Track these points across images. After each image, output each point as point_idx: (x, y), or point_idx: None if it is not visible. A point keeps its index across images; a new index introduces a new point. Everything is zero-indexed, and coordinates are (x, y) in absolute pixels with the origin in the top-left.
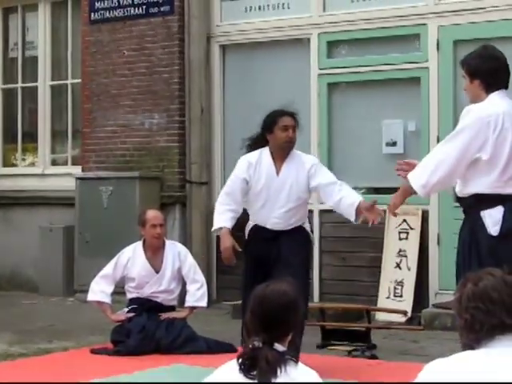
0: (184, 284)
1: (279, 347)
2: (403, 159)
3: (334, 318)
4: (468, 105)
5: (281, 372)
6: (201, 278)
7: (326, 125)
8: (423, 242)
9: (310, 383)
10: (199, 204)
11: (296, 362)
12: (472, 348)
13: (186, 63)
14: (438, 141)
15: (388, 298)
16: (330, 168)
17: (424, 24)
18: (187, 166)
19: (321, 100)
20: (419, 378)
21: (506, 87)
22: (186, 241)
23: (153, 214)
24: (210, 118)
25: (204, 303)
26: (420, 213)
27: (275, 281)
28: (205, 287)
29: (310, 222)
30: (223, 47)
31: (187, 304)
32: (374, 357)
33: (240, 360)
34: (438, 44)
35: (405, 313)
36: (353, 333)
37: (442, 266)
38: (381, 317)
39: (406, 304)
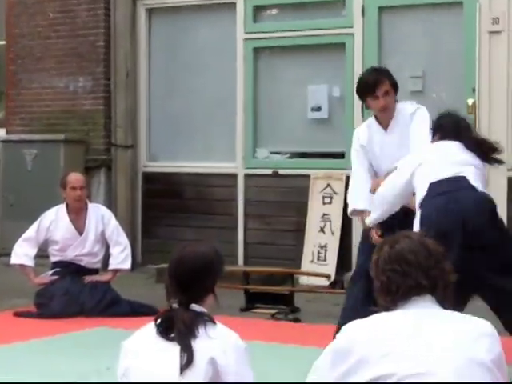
0: (108, 247)
1: (197, 308)
2: (327, 124)
3: (259, 282)
4: None
5: (199, 333)
6: (124, 240)
7: (251, 89)
8: (346, 206)
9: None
10: (124, 167)
11: (214, 322)
12: (388, 310)
13: (112, 26)
14: (363, 107)
15: (312, 261)
16: (256, 132)
17: None
18: (112, 129)
19: (246, 64)
20: (338, 339)
21: None
22: (111, 204)
23: (74, 177)
24: (135, 81)
25: (127, 265)
26: (344, 177)
27: (192, 243)
28: (128, 250)
29: (236, 186)
30: (149, 10)
31: (110, 267)
32: (296, 320)
33: (157, 322)
34: (363, 10)
35: (328, 276)
36: (276, 296)
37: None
38: (304, 280)
39: (330, 268)
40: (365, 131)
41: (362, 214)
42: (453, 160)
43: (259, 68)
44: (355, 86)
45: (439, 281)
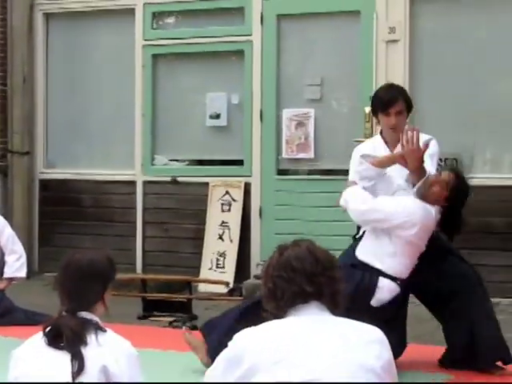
0: (3, 255)
1: (85, 315)
2: (226, 132)
3: (157, 290)
4: None
5: (88, 340)
6: (20, 248)
7: (150, 96)
8: (245, 214)
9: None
10: (21, 174)
11: (104, 330)
12: (278, 317)
13: (8, 31)
14: (261, 114)
15: (210, 269)
16: (154, 139)
17: None
18: (9, 135)
19: (145, 71)
20: (229, 347)
21: None
22: (7, 212)
23: None
24: (32, 86)
25: (23, 274)
26: (242, 185)
27: (84, 250)
28: (23, 258)
29: (134, 193)
30: (47, 15)
31: (5, 275)
32: (194, 327)
33: (45, 330)
34: (261, 17)
35: (227, 284)
36: (174, 304)
37: (264, 237)
38: (203, 288)
39: (228, 275)
40: (368, 147)
41: None
42: None
43: (158, 75)
44: (372, 101)
45: (325, 288)
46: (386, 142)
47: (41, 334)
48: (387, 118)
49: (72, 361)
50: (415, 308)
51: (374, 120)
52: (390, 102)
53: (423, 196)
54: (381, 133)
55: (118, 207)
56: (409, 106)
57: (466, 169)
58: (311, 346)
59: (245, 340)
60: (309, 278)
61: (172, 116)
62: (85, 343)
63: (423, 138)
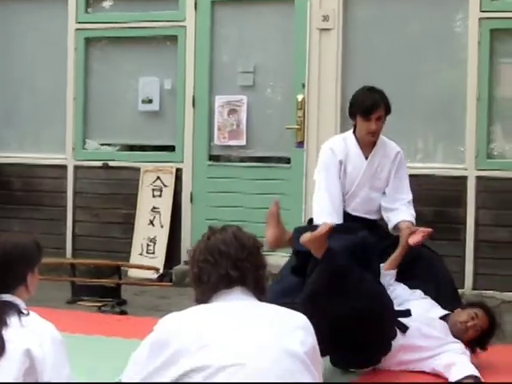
0: None
1: (7, 297)
2: (159, 117)
3: (87, 274)
4: None
5: (10, 322)
6: None
7: (82, 80)
8: (176, 199)
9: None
10: None
11: (27, 313)
12: (204, 302)
13: None
14: (194, 100)
15: (141, 254)
16: (86, 124)
17: None
18: None
19: (78, 55)
20: (155, 331)
21: None
22: None
23: None
24: None
25: None
26: (174, 171)
27: (7, 234)
28: None
29: (65, 177)
30: None
31: None
32: (123, 312)
33: None
34: (195, 3)
35: (156, 269)
36: (103, 289)
37: (195, 223)
38: (133, 273)
39: (159, 261)
40: (341, 146)
41: None
42: None
43: (91, 59)
44: (351, 104)
45: (249, 273)
46: (359, 145)
47: None
48: (367, 123)
49: None
50: None
51: (306, 106)
52: (373, 108)
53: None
54: (354, 131)
55: (49, 191)
56: (388, 111)
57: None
58: (236, 331)
59: (170, 324)
60: (234, 263)
61: (104, 100)
62: (5, 325)
63: (391, 146)
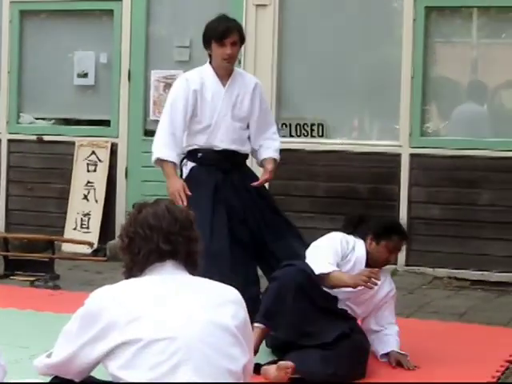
0: None
1: None
2: (94, 91)
3: (21, 249)
4: None
5: None
6: None
7: (16, 53)
8: (111, 174)
9: None
10: None
11: None
12: (131, 275)
13: None
14: (130, 74)
15: (75, 229)
16: (20, 97)
17: None
18: None
19: (13, 27)
20: (86, 304)
21: None
22: None
23: None
24: None
25: None
26: (109, 145)
27: None
28: None
29: None
30: None
31: None
32: (56, 287)
33: None
34: None
35: (90, 244)
36: (37, 263)
37: (129, 199)
38: (68, 248)
39: (93, 236)
40: (196, 76)
41: (164, 163)
42: None
43: (25, 32)
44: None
45: (181, 247)
46: (216, 74)
47: None
48: (222, 49)
49: None
50: None
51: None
52: (227, 32)
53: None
54: (210, 62)
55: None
56: (242, 39)
57: (331, 134)
58: (167, 305)
59: (101, 298)
60: (165, 237)
61: (39, 74)
62: None
63: (248, 76)
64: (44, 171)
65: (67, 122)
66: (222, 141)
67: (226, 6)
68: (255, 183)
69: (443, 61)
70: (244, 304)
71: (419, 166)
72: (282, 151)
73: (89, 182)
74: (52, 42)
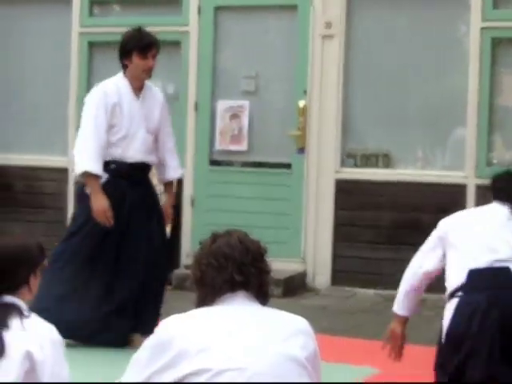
0: None
1: (9, 299)
2: None
3: None
4: None
5: (11, 324)
6: None
7: (85, 84)
8: (177, 203)
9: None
10: None
11: (28, 315)
12: (204, 305)
13: None
14: (196, 105)
15: None
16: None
17: None
18: None
19: (81, 59)
20: (157, 333)
21: None
22: None
23: None
24: None
25: None
26: None
27: (11, 234)
28: None
29: (65, 181)
30: None
31: None
32: None
33: None
34: (199, 9)
35: None
36: None
37: (195, 228)
38: None
39: None
40: (113, 88)
41: (92, 177)
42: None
43: (94, 63)
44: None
45: (253, 278)
46: (130, 86)
47: None
48: (145, 61)
49: None
50: (346, 301)
51: (307, 113)
52: (151, 45)
53: None
54: (124, 73)
55: (49, 193)
56: (159, 51)
57: (396, 164)
58: (237, 335)
59: (173, 326)
60: (238, 267)
61: None
62: (6, 327)
63: (155, 88)
64: None
65: None
66: (135, 152)
67: (292, 36)
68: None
69: (509, 90)
70: (313, 335)
71: (485, 196)
72: (347, 182)
73: None
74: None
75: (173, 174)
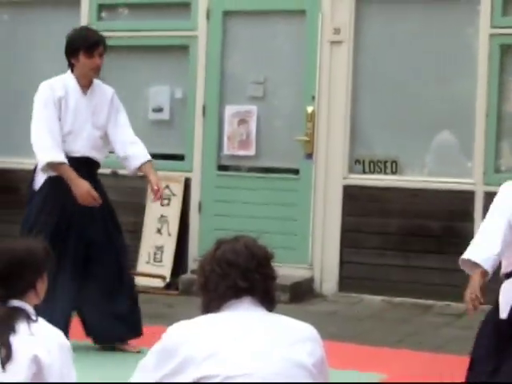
0: None
1: (16, 303)
2: (168, 126)
3: None
4: None
5: (18, 328)
6: None
7: None
8: (185, 208)
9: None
10: None
11: (35, 319)
12: (209, 311)
13: None
14: (204, 109)
15: (148, 262)
16: None
17: None
18: None
19: None
20: (163, 339)
21: None
22: None
23: None
24: None
25: None
26: (183, 180)
27: (17, 238)
28: None
29: None
30: None
31: None
32: None
33: None
34: (207, 13)
35: (163, 278)
36: None
37: (202, 233)
38: (140, 281)
39: (166, 269)
40: (60, 83)
41: (60, 166)
42: None
43: (103, 66)
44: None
45: (258, 284)
46: (78, 83)
47: None
48: (92, 60)
49: (0, 349)
50: (353, 307)
51: (316, 118)
52: (98, 43)
53: None
54: (71, 71)
55: None
56: (106, 49)
57: (404, 170)
58: (244, 341)
59: (178, 333)
60: (243, 274)
61: None
62: (13, 331)
63: (105, 86)
64: (118, 204)
65: None
66: (81, 147)
67: (301, 42)
68: (156, 197)
69: None
70: (321, 342)
71: None
72: (355, 188)
73: (162, 216)
74: (127, 77)
75: (136, 162)
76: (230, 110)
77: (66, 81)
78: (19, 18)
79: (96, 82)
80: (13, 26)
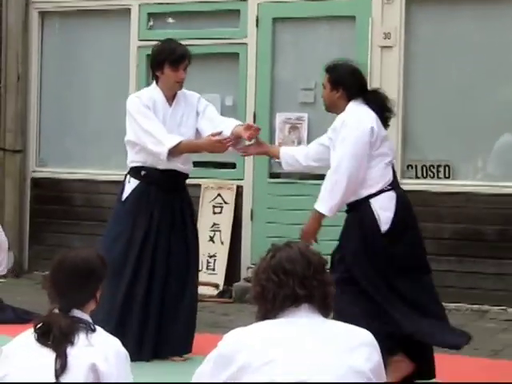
0: None
1: (77, 313)
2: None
3: None
4: None
5: (77, 339)
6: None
7: None
8: (237, 216)
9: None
10: (13, 172)
11: (94, 329)
12: (268, 318)
13: (4, 29)
14: (255, 116)
15: (201, 271)
16: None
17: (244, 0)
18: (1, 133)
19: (139, 71)
20: (220, 346)
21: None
22: None
23: None
24: (26, 85)
25: (1, 270)
26: (235, 188)
27: (74, 249)
28: (3, 254)
29: None
30: (42, 14)
31: None
32: None
33: (36, 327)
34: (257, 20)
35: (216, 286)
36: None
37: (255, 240)
38: None
39: (219, 277)
40: (147, 95)
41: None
42: None
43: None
44: (157, 51)
45: (316, 291)
46: (164, 95)
47: (30, 331)
48: (177, 73)
49: (56, 359)
50: None
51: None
52: (183, 57)
53: None
54: (157, 84)
55: (110, 207)
56: (190, 63)
57: (457, 175)
58: (301, 348)
59: (236, 340)
60: (300, 281)
61: None
62: (71, 343)
63: (190, 94)
64: None
65: (193, 164)
66: (169, 163)
67: (351, 47)
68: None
69: None
70: (378, 346)
71: None
72: (407, 193)
73: (214, 224)
74: None
75: (231, 125)
76: (280, 117)
77: (152, 93)
78: (70, 28)
79: (180, 92)
80: (63, 36)
